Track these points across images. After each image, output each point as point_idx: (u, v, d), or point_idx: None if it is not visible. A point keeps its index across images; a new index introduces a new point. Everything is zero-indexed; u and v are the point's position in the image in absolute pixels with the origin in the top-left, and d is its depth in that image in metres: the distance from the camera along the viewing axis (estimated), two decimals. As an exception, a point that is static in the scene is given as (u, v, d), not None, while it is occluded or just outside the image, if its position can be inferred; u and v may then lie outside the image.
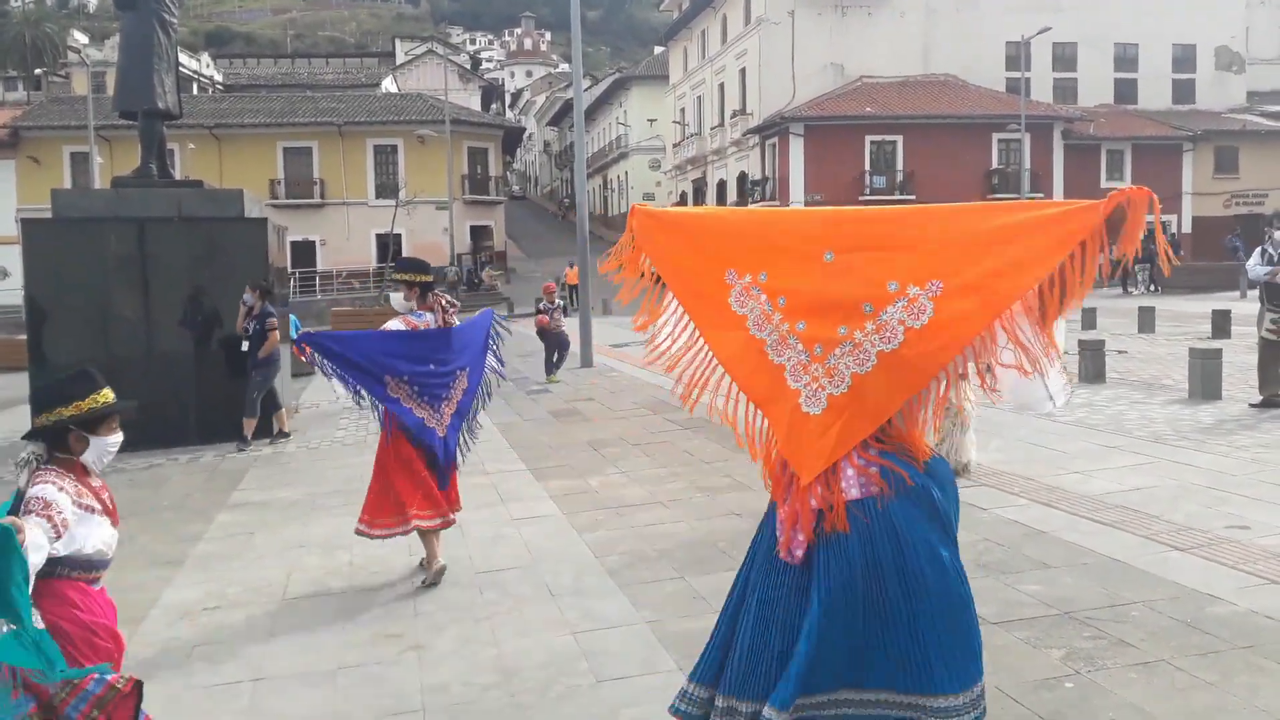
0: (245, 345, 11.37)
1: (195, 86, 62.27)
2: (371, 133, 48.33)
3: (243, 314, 11.31)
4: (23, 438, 3.35)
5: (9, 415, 14.96)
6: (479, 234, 51.20)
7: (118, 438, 3.45)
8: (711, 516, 7.36)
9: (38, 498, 3.13)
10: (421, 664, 4.90)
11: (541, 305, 17.53)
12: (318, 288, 43.44)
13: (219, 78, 73.28)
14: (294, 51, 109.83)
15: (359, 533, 6.28)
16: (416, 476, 6.23)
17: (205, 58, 75.87)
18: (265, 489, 9.19)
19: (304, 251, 45.56)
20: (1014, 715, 4.04)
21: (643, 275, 3.54)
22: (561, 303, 17.61)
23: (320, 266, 46.13)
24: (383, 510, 6.22)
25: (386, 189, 46.57)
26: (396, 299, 6.51)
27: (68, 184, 41.93)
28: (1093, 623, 4.94)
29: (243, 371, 11.72)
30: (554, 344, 16.82)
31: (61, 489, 3.21)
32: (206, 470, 10.28)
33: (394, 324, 6.40)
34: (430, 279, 6.63)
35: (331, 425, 13.03)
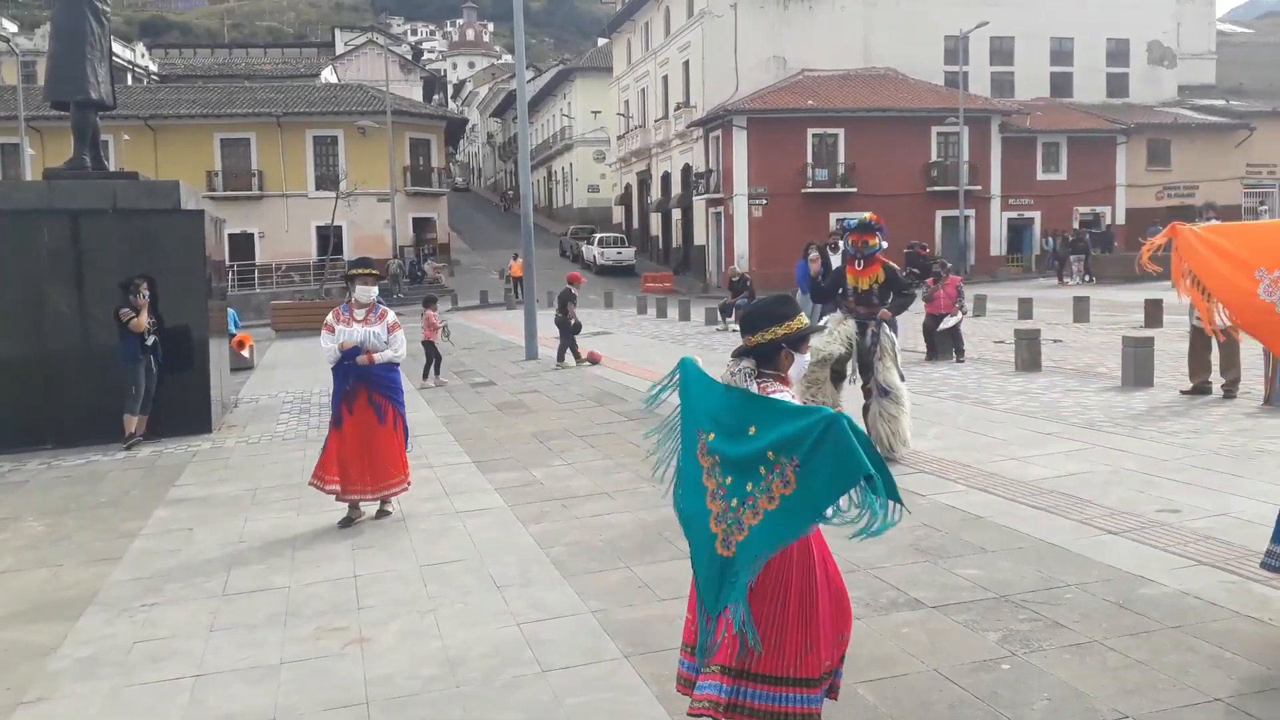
0: (152, 340, 11.19)
1: (130, 77, 61.07)
2: (311, 124, 47.72)
3: (145, 310, 11.07)
4: (734, 355, 3.66)
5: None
6: (422, 226, 50.79)
7: (807, 358, 3.78)
8: (657, 506, 7.38)
9: None
10: (365, 657, 4.88)
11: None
12: (256, 281, 42.84)
13: (154, 68, 71.95)
14: (231, 41, 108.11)
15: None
16: None
17: (140, 47, 74.43)
18: (205, 485, 9.07)
19: (242, 244, 44.91)
20: (952, 697, 4.12)
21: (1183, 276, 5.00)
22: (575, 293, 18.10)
23: (259, 259, 45.49)
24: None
25: (327, 181, 45.98)
26: (366, 291, 7.50)
27: (-3, 176, 40.93)
28: (1028, 605, 5.04)
29: (184, 366, 11.58)
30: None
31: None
32: (144, 466, 10.11)
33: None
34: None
35: (271, 420, 12.88)
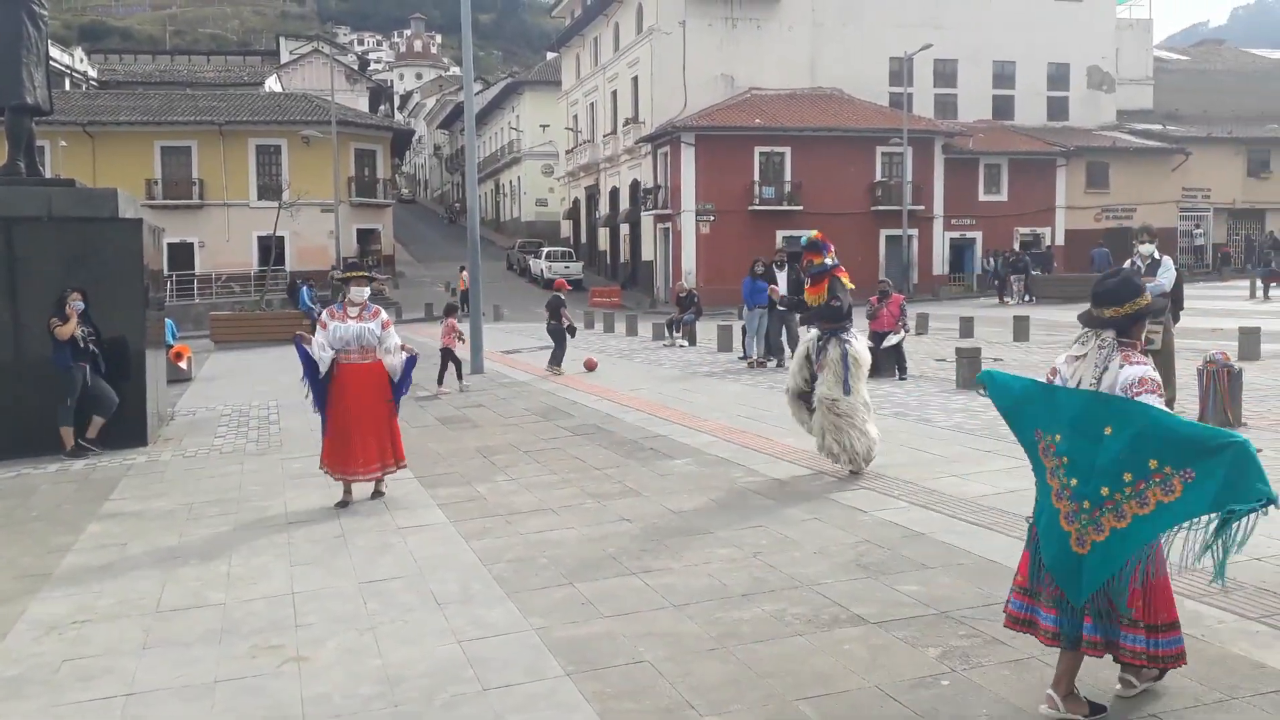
0: (91, 347, 11.02)
1: (68, 82, 59.93)
2: (254, 132, 47.23)
3: (74, 319, 10.89)
4: (1089, 326, 4.11)
5: None
6: (366, 237, 50.40)
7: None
8: (602, 523, 7.38)
9: (1148, 377, 3.91)
10: (303, 675, 4.81)
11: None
12: (196, 291, 42.22)
13: (94, 73, 70.71)
14: (174, 48, 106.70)
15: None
16: None
17: (79, 52, 73.16)
18: (139, 499, 8.91)
19: (182, 254, 44.30)
20: (892, 713, 4.15)
21: None
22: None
23: (199, 269, 44.89)
24: None
25: (269, 190, 45.51)
26: (360, 292, 8.32)
27: (-73, 180, 40.00)
28: (968, 621, 5.10)
29: (120, 377, 11.39)
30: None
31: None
32: (77, 480, 9.91)
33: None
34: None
35: (209, 434, 12.69)
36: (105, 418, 11.17)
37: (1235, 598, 5.26)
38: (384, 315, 8.46)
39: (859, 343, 8.84)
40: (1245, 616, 5.01)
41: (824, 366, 8.63)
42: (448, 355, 16.38)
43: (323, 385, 8.29)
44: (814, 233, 9.34)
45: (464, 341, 17.14)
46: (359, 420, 8.22)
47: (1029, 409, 4.06)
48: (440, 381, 16.09)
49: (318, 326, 8.36)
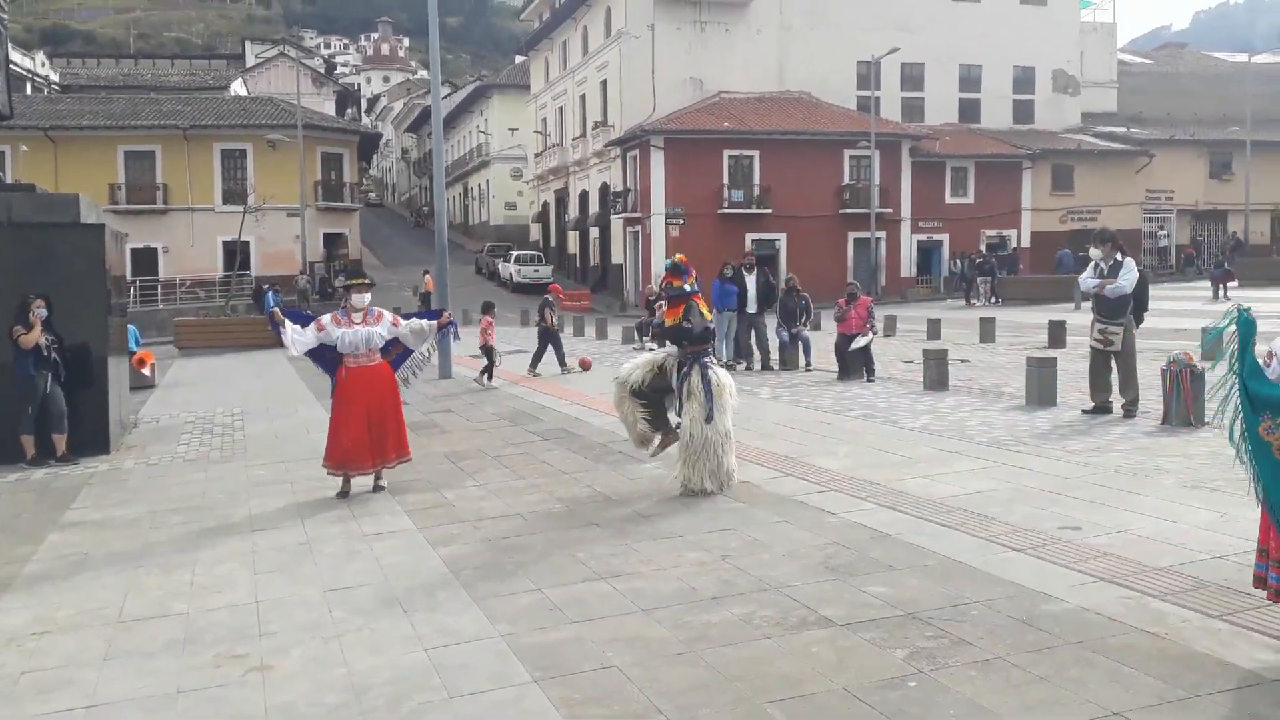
0: (54, 356, 10.89)
1: (29, 86, 59.24)
2: (219, 136, 46.88)
3: (37, 326, 10.74)
4: None
5: None
6: (333, 241, 50.11)
7: None
8: (570, 528, 7.36)
9: None
10: (266, 684, 4.75)
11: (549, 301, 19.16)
12: (159, 297, 41.83)
13: (55, 77, 69.88)
14: (137, 52, 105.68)
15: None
16: None
17: (40, 56, 72.26)
18: (101, 508, 8.79)
19: (145, 259, 43.93)
20: (859, 715, 4.16)
21: None
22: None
23: (163, 275, 44.50)
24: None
25: (235, 195, 45.15)
26: (361, 298, 8.73)
27: (-116, 185, 39.38)
28: (935, 622, 5.12)
29: (82, 384, 11.26)
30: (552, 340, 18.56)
31: None
32: (37, 489, 9.77)
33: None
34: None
35: (173, 441, 12.56)
36: (61, 433, 11.02)
37: (1198, 596, 5.31)
38: (389, 315, 8.95)
39: (722, 370, 8.57)
40: (1209, 615, 5.05)
41: (690, 396, 8.26)
42: (489, 352, 17.17)
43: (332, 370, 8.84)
44: (678, 256, 9.08)
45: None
46: (372, 420, 8.65)
47: (1262, 392, 4.41)
48: (490, 376, 16.94)
49: (312, 325, 8.73)
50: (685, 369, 8.39)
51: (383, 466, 8.84)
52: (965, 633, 4.96)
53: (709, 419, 8.18)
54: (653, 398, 8.68)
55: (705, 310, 8.61)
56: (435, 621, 5.50)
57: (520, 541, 7.05)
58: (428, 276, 42.02)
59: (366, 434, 8.63)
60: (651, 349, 22.92)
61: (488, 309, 18.34)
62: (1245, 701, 4.14)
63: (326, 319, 8.76)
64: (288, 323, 8.73)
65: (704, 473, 8.16)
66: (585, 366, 18.17)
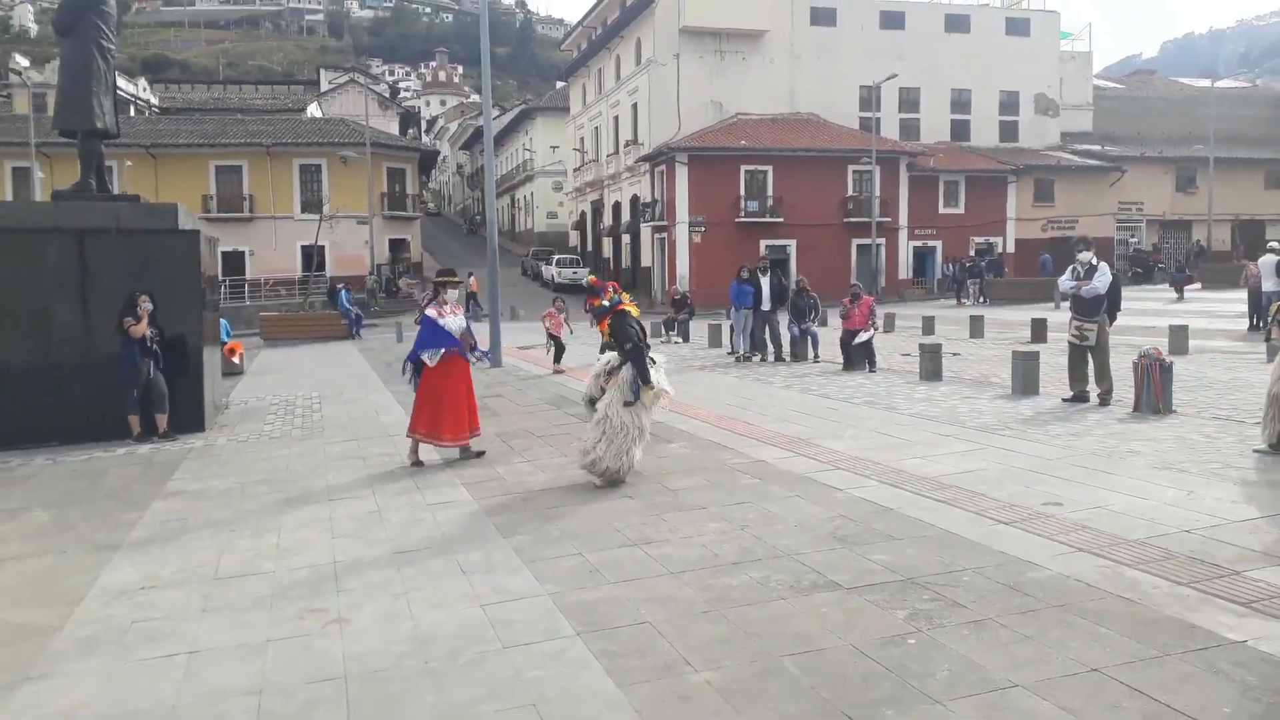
0: (155, 346, 11.01)
1: (133, 109, 59.83)
2: (297, 153, 47.08)
3: (145, 319, 10.87)
4: None
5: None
6: (397, 246, 50.28)
7: None
8: (607, 500, 7.37)
9: None
10: (344, 636, 4.80)
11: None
12: (246, 294, 42.11)
13: (155, 101, 70.54)
14: (226, 78, 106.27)
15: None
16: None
17: (142, 82, 72.95)
18: (198, 479, 8.89)
19: (234, 261, 44.23)
20: (864, 669, 4.15)
21: None
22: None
23: (249, 275, 44.75)
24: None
25: (311, 205, 45.42)
26: (453, 293, 9.17)
27: (9, 198, 39.88)
28: (932, 587, 5.09)
29: (180, 371, 11.38)
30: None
31: None
32: (142, 462, 9.89)
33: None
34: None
35: (259, 421, 12.67)
36: (163, 413, 11.13)
37: (1167, 565, 5.26)
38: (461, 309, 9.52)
39: (660, 374, 8.06)
40: (1177, 582, 5.00)
41: (615, 384, 7.90)
42: (555, 340, 17.60)
43: (420, 366, 9.02)
44: (590, 276, 8.88)
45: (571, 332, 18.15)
46: (458, 398, 8.97)
47: None
48: (558, 361, 17.34)
49: (432, 314, 8.99)
50: (621, 362, 7.97)
51: (472, 436, 9.18)
52: (959, 596, 4.94)
53: (631, 399, 7.71)
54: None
55: (635, 310, 8.21)
56: (490, 581, 5.52)
57: (563, 511, 7.07)
58: (473, 278, 42.20)
59: (460, 409, 8.98)
60: (678, 342, 22.97)
61: (554, 303, 18.74)
62: (1209, 660, 4.10)
63: (432, 311, 9.05)
64: (433, 315, 9.05)
65: (610, 454, 7.63)
66: None
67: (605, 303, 8.28)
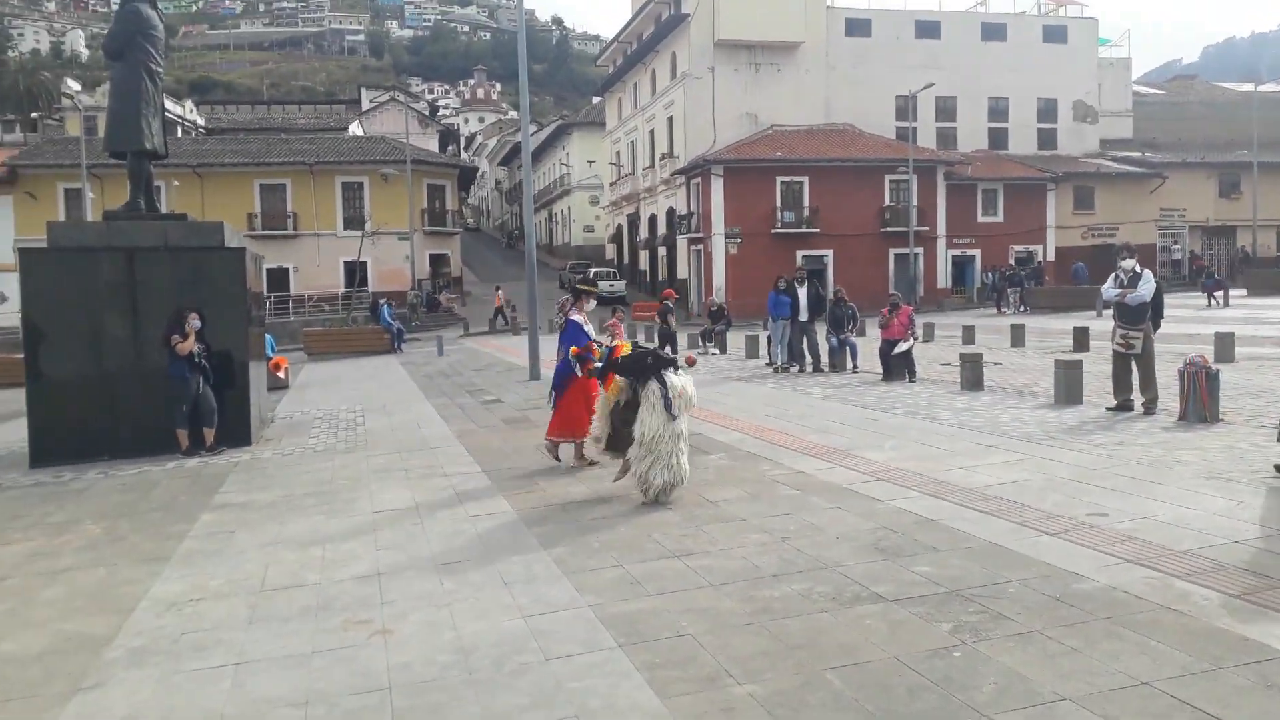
0: (202, 361, 11.15)
1: (180, 129, 60.97)
2: (340, 171, 47.71)
3: (194, 336, 11.02)
4: None
5: (8, 427, 14.50)
6: (437, 261, 50.74)
7: None
8: (647, 512, 7.35)
9: None
10: (388, 646, 4.82)
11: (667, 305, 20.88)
12: (290, 310, 42.72)
13: (201, 121, 71.86)
14: (269, 99, 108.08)
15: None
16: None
17: (189, 104, 74.40)
18: (245, 492, 9.00)
19: (278, 277, 44.83)
20: (909, 682, 4.09)
21: None
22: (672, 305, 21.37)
23: (293, 291, 45.39)
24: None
25: (353, 221, 45.99)
26: (592, 303, 9.71)
27: (62, 217, 40.78)
28: (976, 599, 5.02)
29: (227, 386, 11.52)
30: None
31: None
32: (190, 475, 10.03)
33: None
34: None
35: (304, 434, 12.80)
36: (211, 427, 11.28)
37: (1218, 577, 5.14)
38: None
39: (681, 376, 7.80)
40: (1228, 594, 4.89)
41: (645, 399, 7.67)
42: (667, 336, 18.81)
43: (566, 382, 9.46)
44: (572, 350, 8.93)
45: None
46: (589, 399, 9.14)
47: None
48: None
49: (579, 320, 9.48)
50: (638, 386, 7.81)
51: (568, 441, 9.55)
52: (1004, 608, 4.86)
53: (665, 414, 7.52)
54: (622, 417, 8.01)
55: (628, 347, 8.25)
56: (531, 592, 5.53)
57: (604, 523, 7.06)
58: (500, 292, 42.45)
59: (589, 409, 9.15)
60: (715, 353, 22.93)
61: (614, 313, 19.08)
62: (1263, 673, 4.00)
63: (580, 317, 9.56)
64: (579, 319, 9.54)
65: (657, 469, 7.45)
66: (690, 364, 18.32)
67: (598, 364, 8.33)
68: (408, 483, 9.03)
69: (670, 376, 7.73)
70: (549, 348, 18.43)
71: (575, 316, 9.59)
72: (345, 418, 14.32)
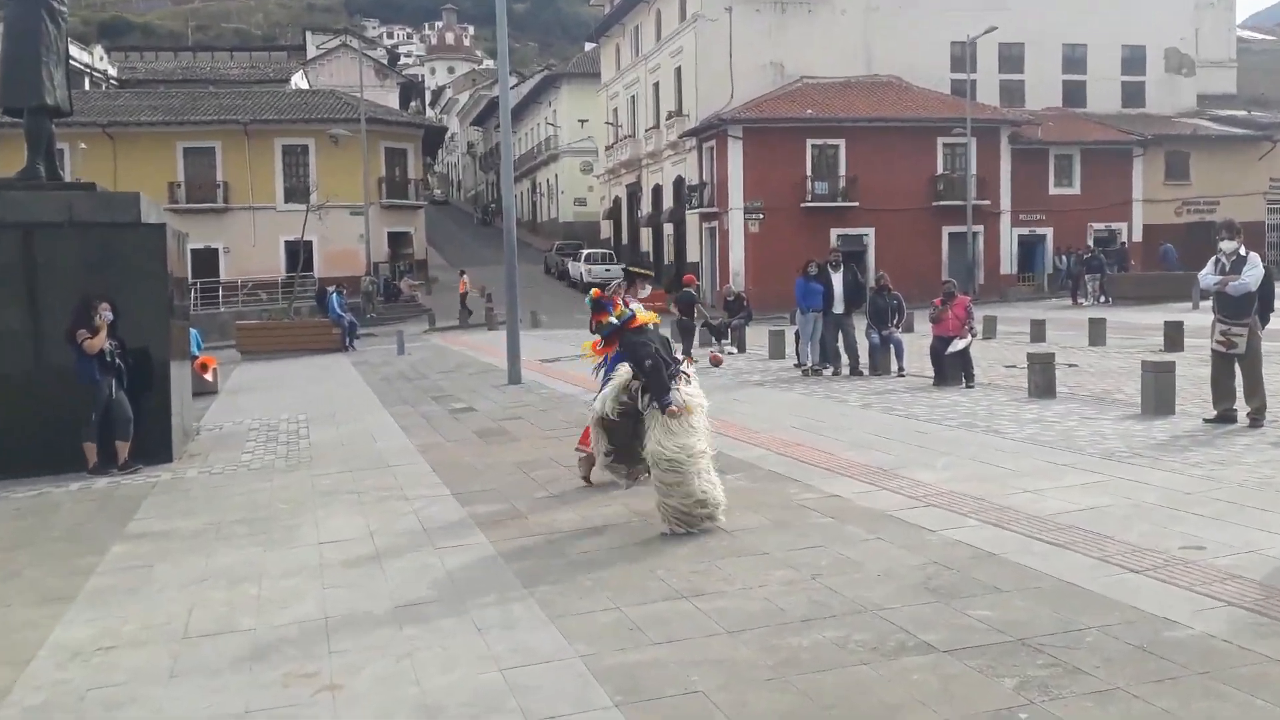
0: (118, 361, 11.15)
1: (87, 81, 61.07)
2: (280, 132, 47.81)
3: (105, 330, 11.02)
4: None
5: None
6: (398, 241, 50.85)
7: None
8: (649, 542, 7.36)
9: None
10: (336, 705, 4.83)
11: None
12: (221, 299, 42.78)
13: (113, 72, 71.95)
14: (195, 45, 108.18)
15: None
16: None
17: (98, 50, 74.40)
18: (165, 518, 9.01)
19: (206, 260, 44.89)
20: (966, 748, 4.10)
21: None
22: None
23: (224, 276, 45.47)
24: None
25: (296, 193, 46.06)
26: (646, 290, 9.93)
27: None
28: (1046, 649, 5.02)
29: (143, 390, 11.53)
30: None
31: None
32: (100, 498, 10.04)
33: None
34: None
35: (236, 449, 12.82)
36: (125, 440, 11.28)
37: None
38: None
39: (692, 387, 7.88)
40: (1351, 644, 4.89)
41: (650, 417, 7.70)
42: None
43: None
44: (593, 292, 8.86)
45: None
46: None
47: None
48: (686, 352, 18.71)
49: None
50: (643, 404, 7.84)
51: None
52: (1080, 660, 4.87)
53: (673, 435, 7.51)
54: (623, 428, 8.16)
55: (654, 319, 8.36)
56: (510, 639, 5.53)
57: (597, 556, 7.07)
58: (464, 277, 42.53)
59: None
60: (732, 352, 22.94)
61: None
62: (1395, 741, 4.00)
63: (634, 304, 9.32)
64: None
65: (675, 503, 7.47)
66: (716, 363, 18.76)
67: (614, 319, 8.31)
68: (361, 508, 9.03)
69: (678, 388, 7.71)
70: (535, 345, 18.53)
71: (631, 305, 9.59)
72: (286, 429, 14.34)
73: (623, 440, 8.29)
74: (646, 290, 9.97)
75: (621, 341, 8.17)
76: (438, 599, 6.33)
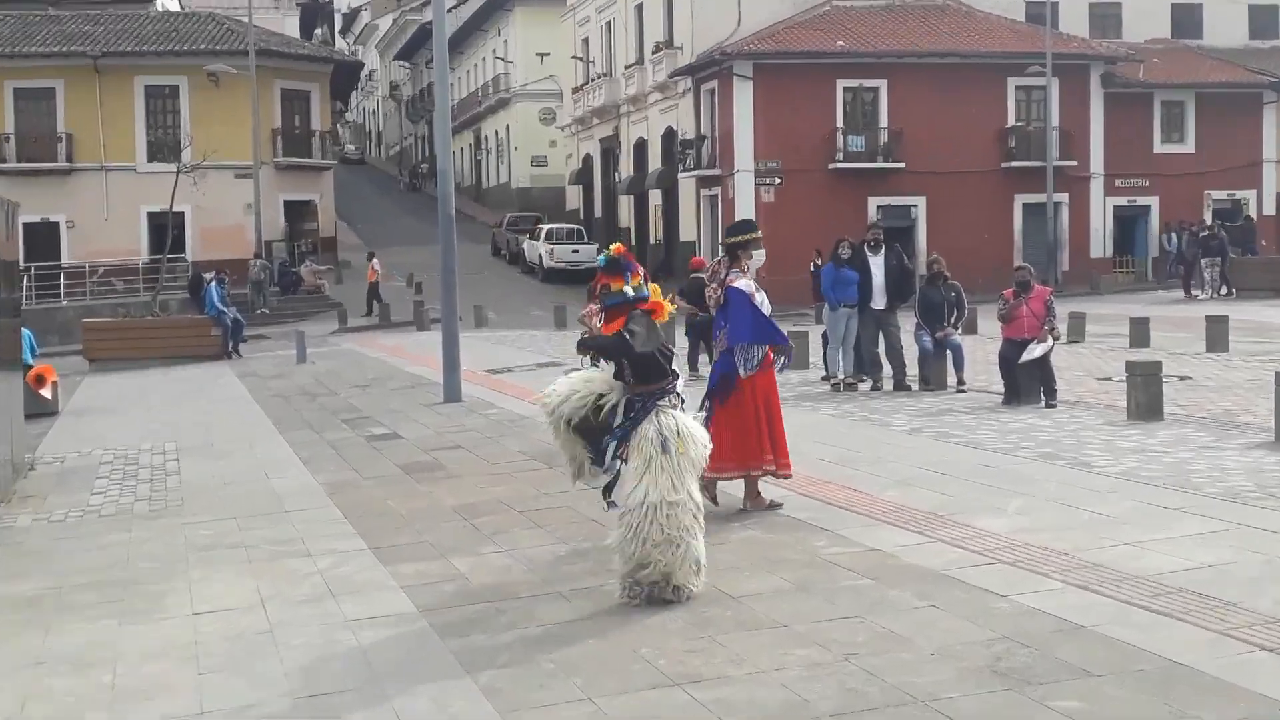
0: None
1: (-115, 1, 60.72)
2: (142, 68, 47.64)
3: None
4: None
5: None
6: (297, 213, 50.67)
7: None
8: (631, 612, 7.35)
9: None
10: (218, 830, 4.82)
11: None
12: (63, 290, 42.46)
13: (-80, -11, 71.59)
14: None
15: None
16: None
17: (-100, -40, 74.19)
18: (-12, 580, 8.98)
19: (43, 237, 44.69)
20: None
21: None
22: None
23: (67, 259, 45.19)
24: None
25: (163, 149, 45.72)
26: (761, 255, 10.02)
27: None
28: (1151, 752, 5.05)
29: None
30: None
31: None
32: (-99, 554, 10.00)
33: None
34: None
35: (83, 489, 12.76)
36: None
37: None
38: None
39: (684, 415, 7.92)
40: None
41: (637, 449, 7.63)
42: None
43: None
44: (614, 246, 8.73)
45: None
46: (760, 407, 9.77)
47: None
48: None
49: (742, 286, 9.75)
50: (633, 413, 7.76)
51: (770, 471, 9.82)
52: (1196, 767, 4.89)
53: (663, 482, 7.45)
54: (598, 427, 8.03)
55: (662, 314, 8.33)
56: (447, 743, 5.53)
57: (562, 631, 7.06)
58: (374, 261, 42.58)
59: (766, 424, 9.77)
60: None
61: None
62: None
63: (741, 281, 9.79)
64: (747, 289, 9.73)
65: (665, 557, 7.36)
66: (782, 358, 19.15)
67: (629, 290, 8.24)
68: (250, 567, 9.01)
69: (670, 417, 7.68)
70: (479, 350, 18.42)
71: (738, 283, 9.82)
72: (149, 462, 14.27)
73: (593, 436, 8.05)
74: (759, 257, 10.02)
75: (628, 319, 7.98)
76: (350, 687, 6.31)
